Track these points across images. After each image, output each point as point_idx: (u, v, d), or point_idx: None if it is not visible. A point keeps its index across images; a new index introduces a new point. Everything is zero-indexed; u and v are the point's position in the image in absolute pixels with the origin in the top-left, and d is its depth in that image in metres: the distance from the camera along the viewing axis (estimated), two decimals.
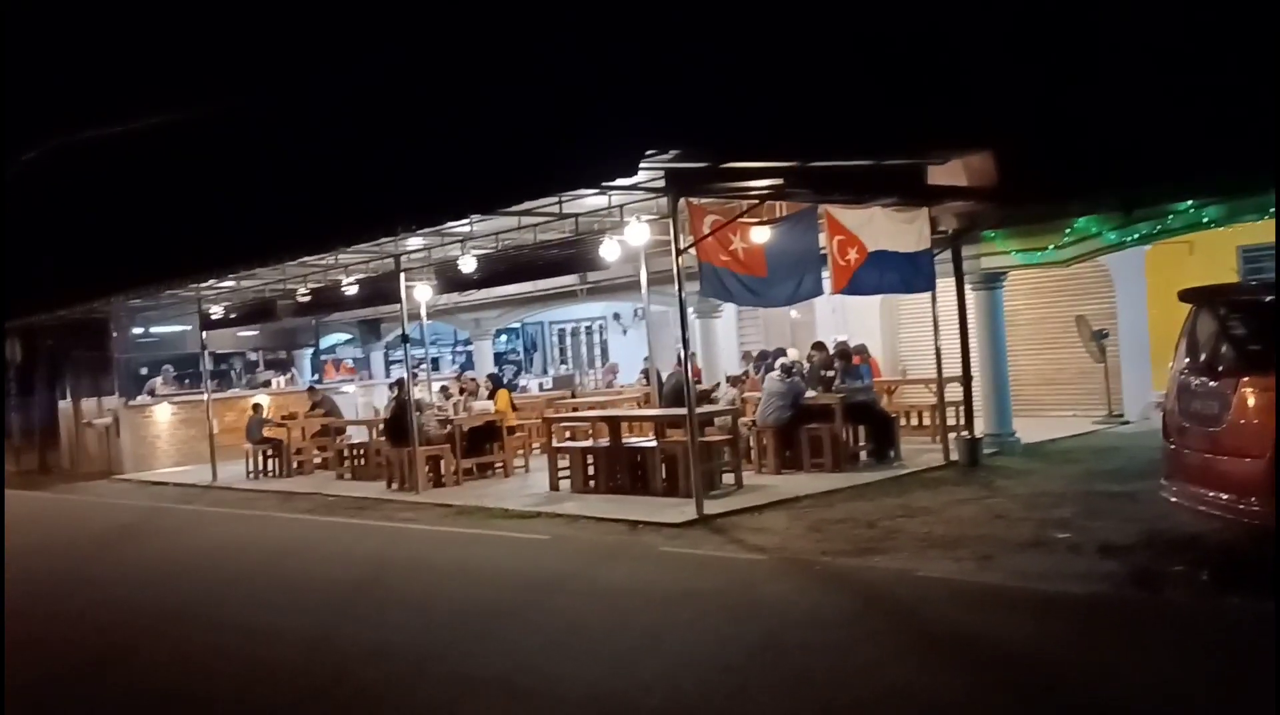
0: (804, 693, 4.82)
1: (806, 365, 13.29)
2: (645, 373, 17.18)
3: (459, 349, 28.68)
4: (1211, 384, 6.59)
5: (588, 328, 26.08)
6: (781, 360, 12.61)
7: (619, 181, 9.57)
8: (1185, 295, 7.21)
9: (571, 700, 4.97)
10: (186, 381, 23.35)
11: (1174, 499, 6.95)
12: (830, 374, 12.93)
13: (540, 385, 22.01)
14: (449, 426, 13.48)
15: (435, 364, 22.97)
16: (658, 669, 5.31)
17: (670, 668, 5.32)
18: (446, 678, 5.45)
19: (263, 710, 5.24)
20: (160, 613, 7.66)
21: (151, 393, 20.54)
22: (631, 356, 21.81)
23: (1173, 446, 7.01)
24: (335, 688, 5.45)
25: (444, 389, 15.26)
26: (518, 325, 26.52)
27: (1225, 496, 6.29)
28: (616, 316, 24.28)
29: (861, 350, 14.47)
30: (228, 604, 7.81)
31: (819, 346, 13.89)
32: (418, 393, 14.04)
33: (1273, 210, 9.98)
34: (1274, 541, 5.69)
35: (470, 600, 7.22)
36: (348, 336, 27.22)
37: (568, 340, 27.04)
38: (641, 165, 8.97)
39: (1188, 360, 6.96)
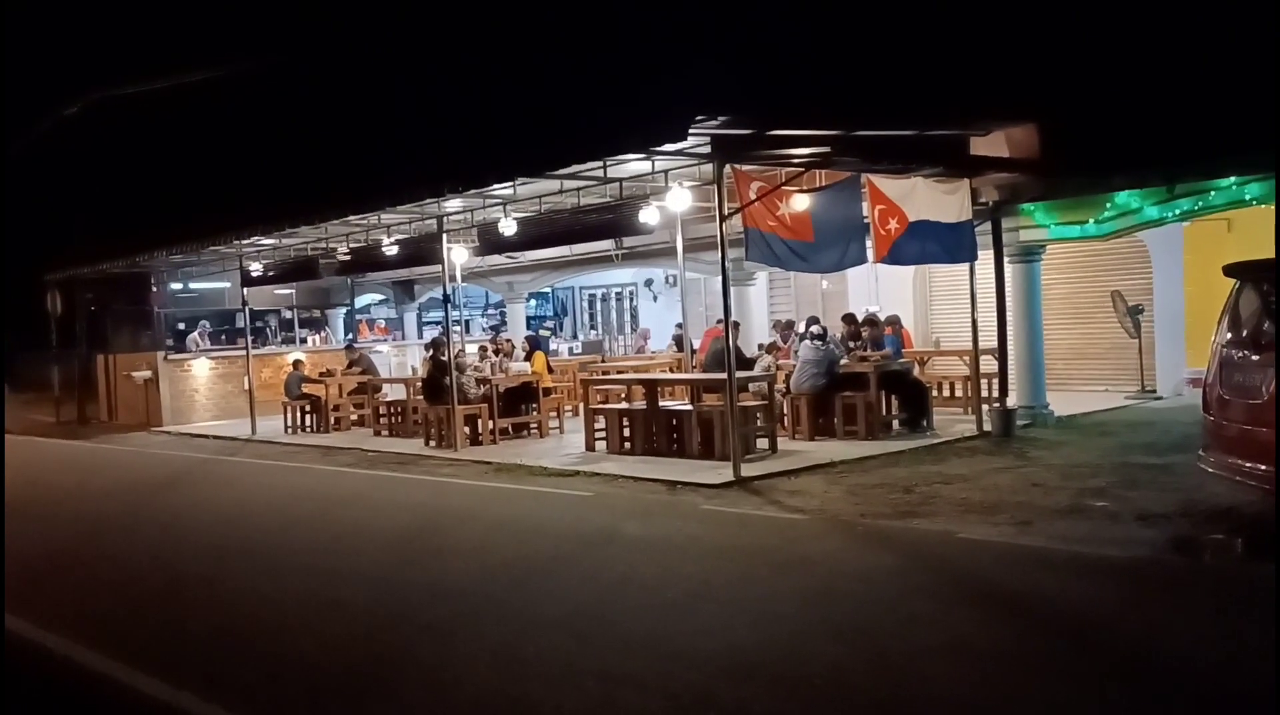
0: (858, 640, 5.02)
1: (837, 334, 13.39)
2: (677, 340, 17.28)
3: (489, 311, 28.93)
4: (1253, 358, 6.71)
5: (618, 293, 26.21)
6: (813, 328, 12.71)
7: (666, 147, 9.67)
8: (1230, 270, 7.30)
9: (632, 642, 5.17)
10: (222, 338, 23.75)
11: (1212, 470, 7.09)
12: (855, 345, 13.06)
13: (570, 349, 22.23)
14: (486, 386, 13.72)
15: (467, 326, 23.17)
16: (713, 615, 5.52)
17: (725, 615, 5.53)
18: (509, 618, 5.67)
19: (334, 639, 5.47)
20: (224, 553, 7.94)
21: (196, 346, 20.94)
22: (661, 323, 21.93)
23: (1212, 418, 7.14)
24: (403, 623, 5.70)
25: (481, 349, 15.48)
26: (548, 290, 26.65)
27: (1263, 467, 6.42)
28: (648, 283, 24.35)
29: (894, 321, 14.56)
30: (288, 547, 8.08)
31: (849, 318, 13.99)
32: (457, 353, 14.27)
33: None
34: (1275, 519, 5.86)
35: (522, 550, 7.45)
36: (381, 297, 27.51)
37: (598, 305, 27.18)
38: (690, 131, 9.09)
39: (1230, 334, 7.07)
